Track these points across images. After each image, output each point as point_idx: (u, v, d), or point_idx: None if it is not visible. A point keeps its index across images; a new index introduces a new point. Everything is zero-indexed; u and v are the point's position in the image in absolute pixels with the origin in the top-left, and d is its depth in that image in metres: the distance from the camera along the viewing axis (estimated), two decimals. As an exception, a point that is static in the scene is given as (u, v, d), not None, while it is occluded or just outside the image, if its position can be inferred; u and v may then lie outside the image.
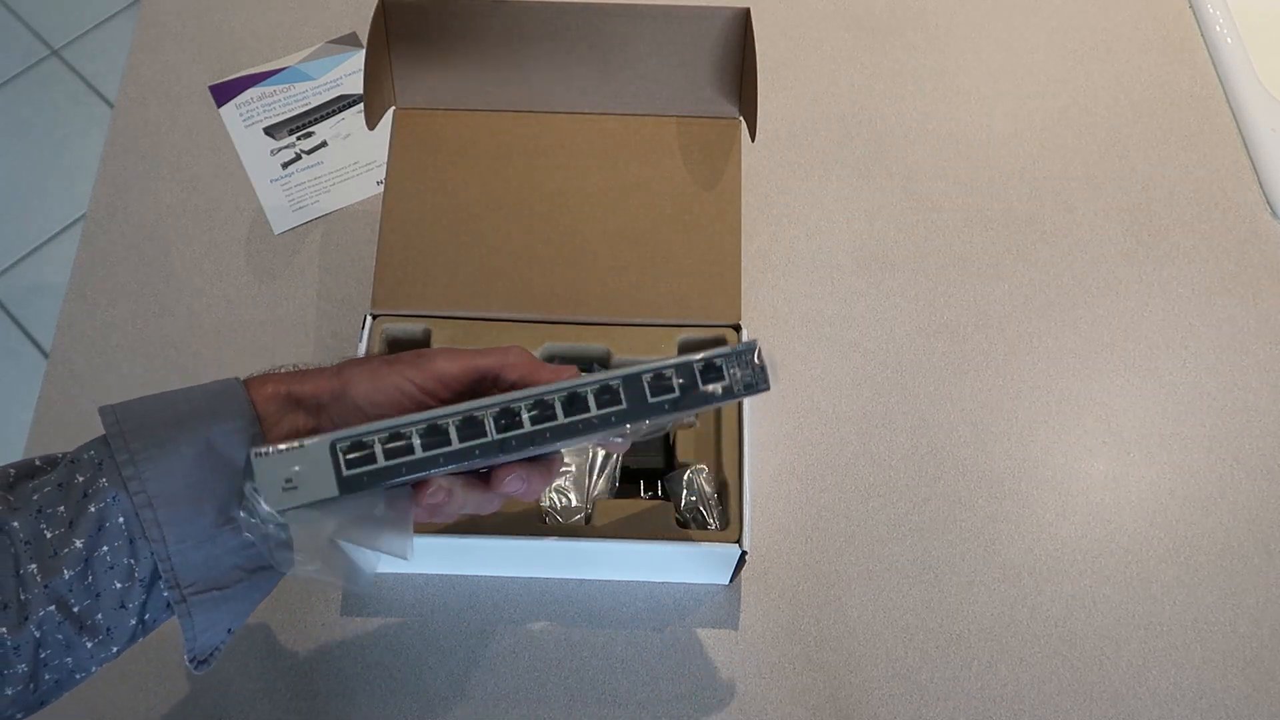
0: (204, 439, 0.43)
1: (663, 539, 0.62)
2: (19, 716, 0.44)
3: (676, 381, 0.46)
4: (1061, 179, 0.87)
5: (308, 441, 0.42)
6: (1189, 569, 0.71)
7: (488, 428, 0.43)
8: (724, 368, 0.47)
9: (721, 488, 0.65)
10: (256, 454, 0.42)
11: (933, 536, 0.72)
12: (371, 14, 0.69)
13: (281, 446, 0.42)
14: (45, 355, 1.60)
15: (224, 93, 0.91)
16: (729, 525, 0.64)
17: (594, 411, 0.45)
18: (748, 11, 0.69)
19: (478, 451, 0.43)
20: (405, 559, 0.46)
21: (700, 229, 0.71)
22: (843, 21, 0.96)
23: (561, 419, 0.44)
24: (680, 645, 0.68)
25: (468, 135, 0.73)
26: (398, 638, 0.68)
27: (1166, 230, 0.84)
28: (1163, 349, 0.79)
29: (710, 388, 0.46)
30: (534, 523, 0.63)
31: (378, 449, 0.42)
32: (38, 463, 0.46)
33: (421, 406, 0.46)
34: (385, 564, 0.69)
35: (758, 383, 0.47)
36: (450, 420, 0.43)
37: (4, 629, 0.41)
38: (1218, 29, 0.93)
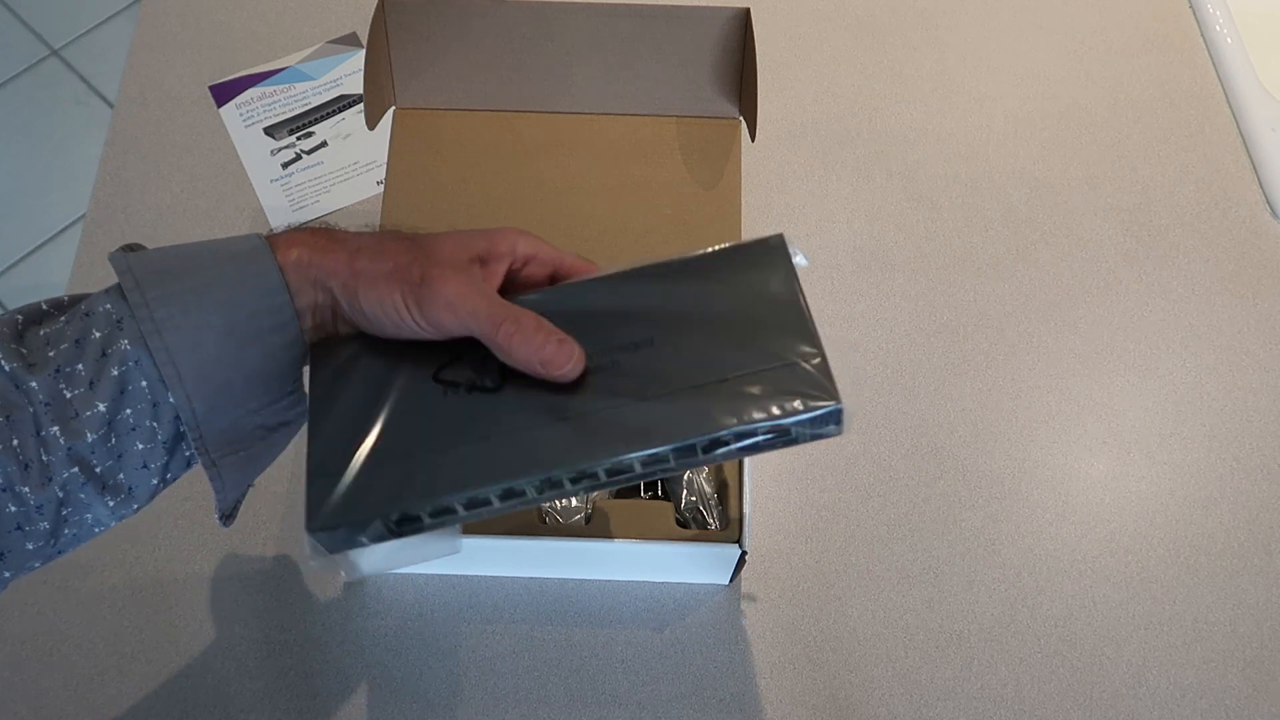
0: (235, 312, 0.43)
1: (663, 539, 0.62)
2: (36, 565, 0.44)
3: (734, 445, 0.44)
4: (1061, 179, 0.87)
5: (359, 535, 0.43)
6: (1189, 569, 0.71)
7: (529, 494, 0.44)
8: (793, 430, 0.44)
9: (721, 488, 0.65)
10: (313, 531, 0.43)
11: (933, 536, 0.72)
12: (371, 14, 0.69)
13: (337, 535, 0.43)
14: (45, 355, 1.60)
15: (224, 93, 0.91)
16: (729, 525, 0.64)
17: (638, 471, 0.44)
18: (748, 11, 0.69)
19: (516, 507, 0.44)
20: (457, 552, 0.47)
21: (700, 229, 0.71)
22: (843, 21, 0.96)
23: (602, 480, 0.44)
24: (680, 645, 0.68)
25: (468, 135, 0.73)
26: (398, 639, 0.68)
27: (1166, 230, 0.84)
28: (1163, 349, 0.79)
29: (768, 439, 0.44)
30: (534, 523, 0.63)
31: (426, 520, 0.44)
32: (45, 306, 0.44)
33: (416, 336, 0.46)
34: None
35: (820, 435, 0.44)
36: (493, 494, 0.43)
37: (27, 488, 0.41)
38: (1218, 29, 0.93)
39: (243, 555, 0.70)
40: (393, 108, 0.73)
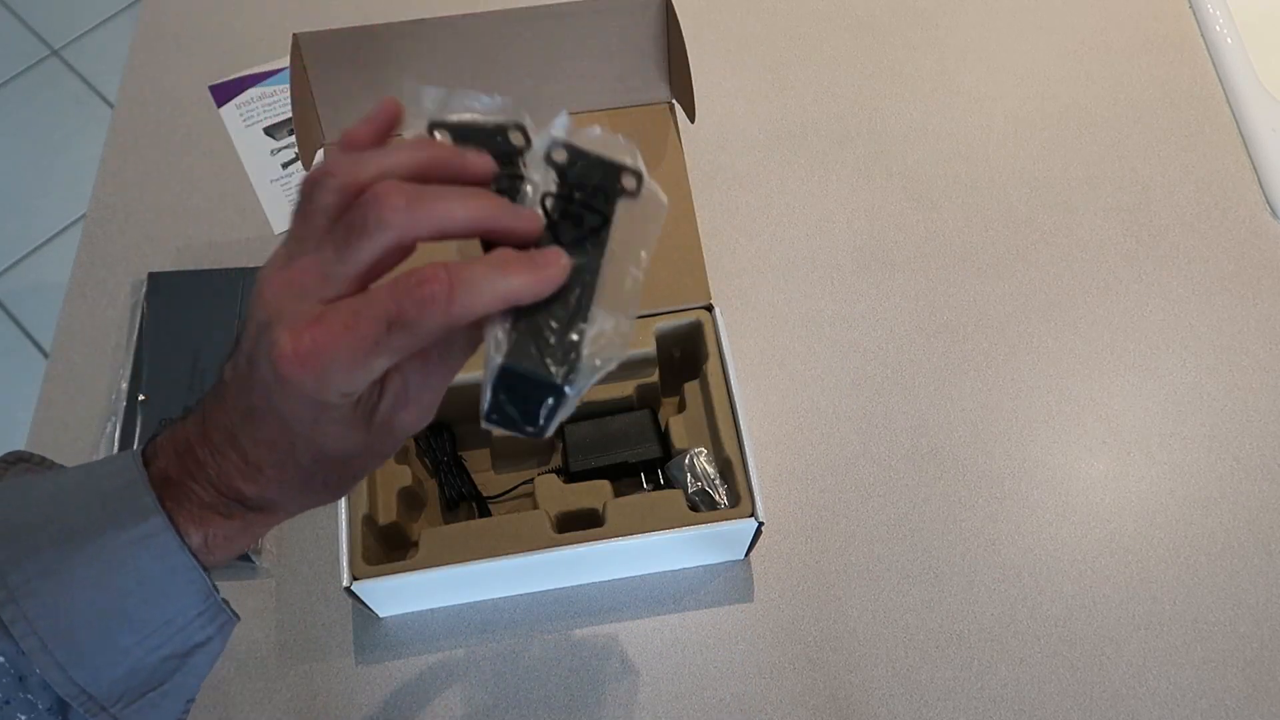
0: (103, 559, 0.36)
1: (678, 526, 0.62)
2: None
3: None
4: (1061, 179, 0.87)
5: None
6: (1189, 569, 0.70)
7: None
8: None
9: (725, 466, 0.66)
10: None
11: (933, 536, 0.72)
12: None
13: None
14: (45, 355, 1.60)
15: (224, 93, 0.91)
16: (739, 501, 0.64)
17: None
18: None
19: None
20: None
21: None
22: (843, 21, 0.96)
23: None
24: (680, 645, 0.68)
25: None
26: (397, 639, 0.68)
27: (1166, 230, 0.84)
28: (1163, 349, 0.79)
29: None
30: (550, 534, 0.63)
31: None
32: None
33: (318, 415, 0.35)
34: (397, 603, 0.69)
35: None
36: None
37: None
38: (1218, 29, 0.93)
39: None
40: (322, 146, 0.71)
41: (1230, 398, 0.77)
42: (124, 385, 0.74)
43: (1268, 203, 0.85)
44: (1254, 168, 0.87)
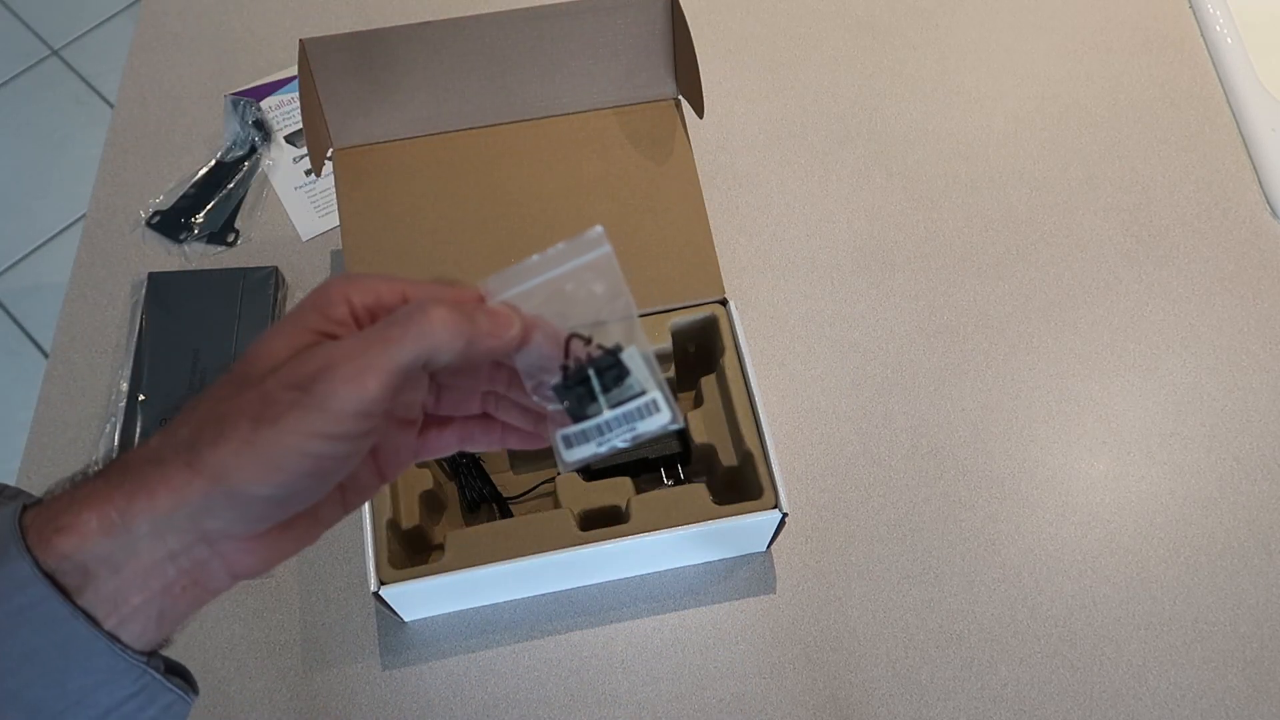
0: None
1: (702, 520, 0.62)
2: None
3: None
4: (1061, 179, 0.87)
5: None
6: (1189, 569, 0.71)
7: None
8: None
9: (746, 459, 0.66)
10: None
11: (933, 536, 0.72)
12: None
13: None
14: (45, 355, 1.60)
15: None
16: (762, 494, 0.64)
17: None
18: None
19: None
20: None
21: (665, 211, 0.71)
22: (843, 21, 0.96)
23: None
24: (680, 645, 0.68)
25: (415, 163, 0.72)
26: (397, 640, 0.68)
27: (1166, 230, 0.84)
28: (1163, 349, 0.79)
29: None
30: (574, 531, 0.63)
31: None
32: None
33: (343, 455, 0.33)
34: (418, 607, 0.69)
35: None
36: None
37: None
38: (1218, 29, 0.93)
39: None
40: (331, 149, 0.71)
41: (1230, 398, 0.77)
42: (124, 385, 0.74)
43: (1268, 203, 0.85)
44: (1254, 168, 0.87)
